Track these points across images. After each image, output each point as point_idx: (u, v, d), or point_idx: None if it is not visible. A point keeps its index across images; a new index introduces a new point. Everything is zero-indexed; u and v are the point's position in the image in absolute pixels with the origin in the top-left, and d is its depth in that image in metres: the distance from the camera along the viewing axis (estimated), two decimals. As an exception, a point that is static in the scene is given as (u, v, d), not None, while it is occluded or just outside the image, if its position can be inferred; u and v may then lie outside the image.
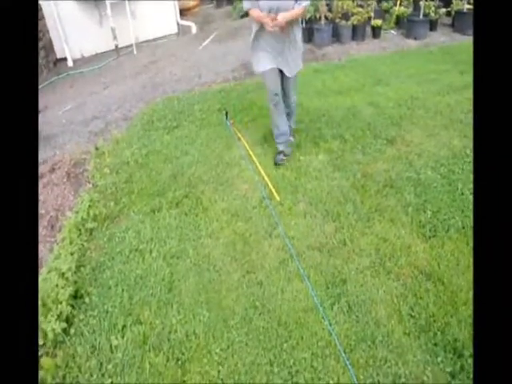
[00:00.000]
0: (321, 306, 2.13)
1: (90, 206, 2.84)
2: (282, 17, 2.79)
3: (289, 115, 3.39)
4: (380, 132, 3.58)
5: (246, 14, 8.26)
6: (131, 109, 4.45)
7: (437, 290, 2.22)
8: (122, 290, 2.23)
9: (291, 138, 3.47)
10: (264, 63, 3.07)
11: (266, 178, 3.05)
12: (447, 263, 2.37)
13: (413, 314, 2.13)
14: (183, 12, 8.68)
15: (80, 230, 2.66)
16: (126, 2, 6.79)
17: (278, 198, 2.86)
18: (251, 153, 3.37)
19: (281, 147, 3.32)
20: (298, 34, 3.05)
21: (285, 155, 3.31)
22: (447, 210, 2.72)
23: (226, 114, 3.92)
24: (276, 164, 3.25)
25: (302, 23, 3.06)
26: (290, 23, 2.90)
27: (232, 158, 3.37)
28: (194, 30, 7.65)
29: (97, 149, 3.64)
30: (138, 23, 7.22)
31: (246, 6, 2.95)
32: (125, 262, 2.43)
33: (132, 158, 3.45)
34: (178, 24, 7.79)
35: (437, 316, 2.10)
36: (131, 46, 6.96)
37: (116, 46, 6.83)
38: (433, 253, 2.44)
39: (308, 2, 2.89)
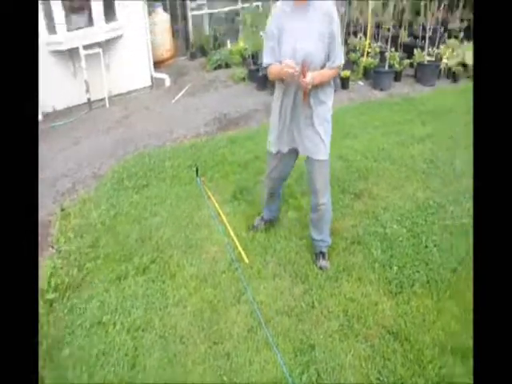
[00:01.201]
0: (290, 376, 2.15)
1: (51, 274, 2.81)
2: (311, 77, 2.22)
3: (315, 224, 2.79)
4: (348, 186, 3.74)
5: (220, 66, 8.49)
6: (101, 166, 4.52)
7: (404, 350, 2.28)
8: (81, 371, 2.18)
9: (277, 218, 3.23)
10: (273, 140, 2.64)
11: (235, 240, 3.11)
12: (413, 320, 2.45)
13: (381, 378, 2.17)
14: (157, 64, 8.98)
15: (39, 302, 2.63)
16: (101, 54, 7.01)
17: (246, 261, 2.91)
18: (221, 212, 3.45)
19: (265, 216, 3.19)
20: (325, 101, 2.45)
21: (264, 221, 3.20)
22: (412, 264, 2.84)
23: (197, 170, 4.03)
24: (253, 227, 3.21)
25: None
26: (316, 88, 2.34)
27: (202, 219, 3.43)
28: (168, 82, 7.91)
29: (62, 210, 3.65)
30: (111, 76, 7.43)
31: (265, 60, 2.41)
32: (86, 336, 2.39)
33: (99, 220, 3.47)
34: (151, 77, 8.05)
35: (405, 378, 2.16)
36: (104, 99, 7.13)
37: (88, 100, 6.98)
38: (399, 310, 2.52)
39: (342, 61, 2.41)
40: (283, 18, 2.35)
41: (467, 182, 3.59)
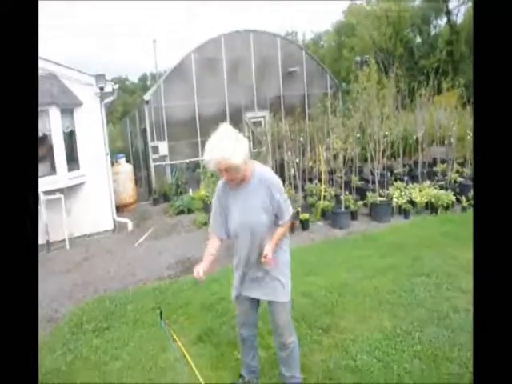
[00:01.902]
0: None
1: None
2: (269, 250, 2.52)
3: (285, 361, 2.84)
4: (315, 321, 3.92)
5: (182, 212, 9.10)
6: (59, 309, 4.52)
7: None
8: None
9: (257, 373, 3.09)
10: (234, 285, 2.82)
11: (202, 382, 3.11)
12: None
13: None
14: (120, 208, 9.57)
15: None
16: (62, 199, 7.47)
17: (215, 403, 2.89)
18: (187, 354, 3.48)
19: (244, 372, 3.09)
20: (281, 246, 2.70)
21: (244, 382, 3.05)
22: (385, 395, 2.91)
23: (161, 313, 4.10)
24: None
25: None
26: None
27: (167, 361, 3.43)
28: (130, 226, 8.36)
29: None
30: (73, 219, 7.82)
31: (209, 228, 2.77)
32: None
33: (53, 367, 3.39)
34: (114, 220, 8.50)
35: None
36: (64, 240, 7.35)
37: (47, 241, 7.18)
38: None
39: (291, 212, 2.65)
40: (226, 195, 2.68)
41: (429, 307, 3.96)
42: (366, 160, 9.78)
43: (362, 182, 9.28)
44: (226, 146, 2.37)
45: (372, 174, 8.31)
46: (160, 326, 3.96)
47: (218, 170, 2.47)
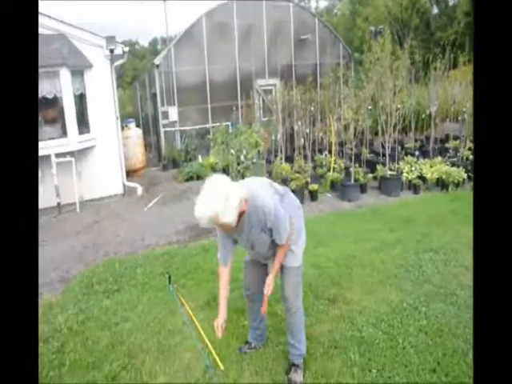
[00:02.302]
0: None
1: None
2: (272, 278, 2.72)
3: (289, 328, 2.90)
4: (322, 292, 3.93)
5: (191, 178, 9.11)
6: (69, 270, 4.57)
7: None
8: None
9: (264, 340, 3.21)
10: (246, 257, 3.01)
11: (209, 346, 3.15)
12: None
13: None
14: (130, 173, 9.55)
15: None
16: (73, 162, 7.46)
17: (222, 367, 2.92)
18: (194, 319, 3.51)
19: (250, 338, 3.19)
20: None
21: (250, 348, 3.16)
22: (391, 366, 2.92)
23: (169, 277, 4.15)
24: (239, 349, 3.16)
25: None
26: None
27: (175, 325, 3.47)
28: (140, 191, 8.36)
29: (26, 315, 3.61)
30: (83, 182, 7.82)
31: (218, 255, 2.83)
32: None
33: (66, 325, 3.44)
34: (123, 185, 8.49)
35: None
36: (75, 204, 7.38)
37: (58, 204, 7.22)
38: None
39: (283, 242, 2.61)
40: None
41: (436, 283, 3.95)
42: (376, 133, 9.61)
43: (372, 155, 9.15)
44: (215, 207, 2.26)
45: (383, 147, 8.17)
46: (168, 290, 4.00)
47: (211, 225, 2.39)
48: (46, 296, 3.95)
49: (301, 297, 2.90)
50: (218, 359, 2.99)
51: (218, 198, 2.26)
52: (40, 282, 4.23)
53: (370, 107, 8.56)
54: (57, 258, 4.85)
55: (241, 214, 2.43)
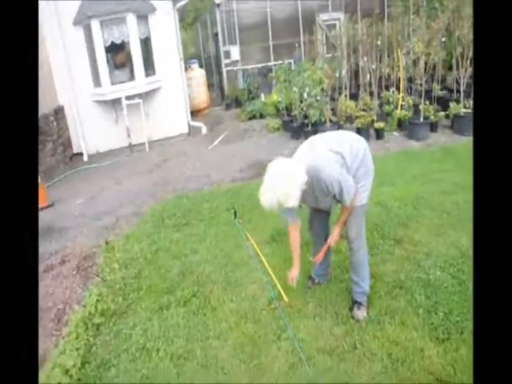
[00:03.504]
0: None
1: (97, 300, 2.98)
2: (338, 232, 2.75)
3: (353, 266, 2.87)
4: (388, 232, 3.78)
5: (254, 117, 8.97)
6: (142, 205, 4.78)
7: (454, 399, 2.22)
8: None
9: (328, 276, 3.21)
10: None
11: (274, 279, 3.19)
12: (464, 369, 2.38)
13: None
14: (194, 113, 9.60)
15: (87, 324, 2.77)
16: (141, 104, 7.63)
17: (286, 299, 2.97)
18: (260, 253, 3.56)
19: (314, 274, 3.19)
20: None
21: (314, 283, 3.17)
22: (460, 311, 2.78)
23: (235, 213, 4.20)
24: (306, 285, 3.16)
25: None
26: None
27: (241, 258, 3.55)
28: (204, 130, 8.40)
29: (107, 243, 3.88)
30: (151, 123, 8.01)
31: (289, 218, 2.77)
32: (131, 361, 2.50)
33: (141, 254, 3.65)
34: (188, 125, 8.58)
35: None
36: (144, 144, 7.63)
37: (129, 144, 7.53)
38: (447, 357, 2.45)
39: (348, 204, 2.56)
40: None
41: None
42: (450, 68, 8.71)
43: (444, 92, 8.35)
44: (278, 196, 2.30)
45: (457, 82, 7.40)
46: (234, 224, 4.06)
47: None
48: (123, 228, 4.18)
49: (364, 236, 2.83)
50: (282, 291, 3.03)
51: (281, 187, 2.30)
52: (117, 215, 4.48)
53: (443, 39, 7.69)
54: (131, 193, 5.08)
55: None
